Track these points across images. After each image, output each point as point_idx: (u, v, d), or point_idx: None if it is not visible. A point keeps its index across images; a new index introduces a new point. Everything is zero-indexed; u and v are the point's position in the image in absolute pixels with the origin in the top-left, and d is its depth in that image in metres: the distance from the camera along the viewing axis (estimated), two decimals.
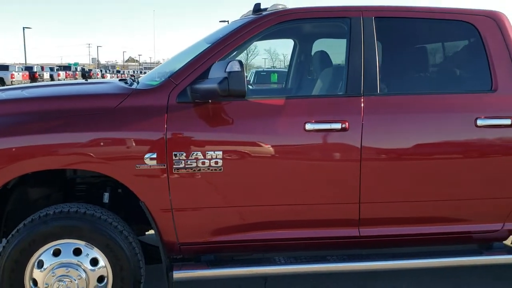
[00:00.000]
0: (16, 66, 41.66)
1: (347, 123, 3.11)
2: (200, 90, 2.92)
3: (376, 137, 3.17)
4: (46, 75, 44.06)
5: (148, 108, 3.01)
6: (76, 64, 75.24)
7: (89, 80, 4.24)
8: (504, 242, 3.68)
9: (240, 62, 2.83)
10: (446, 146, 3.25)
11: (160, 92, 3.07)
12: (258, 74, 18.44)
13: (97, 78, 50.10)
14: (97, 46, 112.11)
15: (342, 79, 3.28)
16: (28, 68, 43.29)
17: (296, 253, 3.43)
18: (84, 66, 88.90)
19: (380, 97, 3.24)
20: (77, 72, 52.73)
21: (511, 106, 3.29)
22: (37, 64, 53.48)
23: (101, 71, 68.78)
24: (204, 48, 3.23)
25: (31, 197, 3.39)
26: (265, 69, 19.86)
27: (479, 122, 3.22)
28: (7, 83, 33.62)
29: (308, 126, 3.09)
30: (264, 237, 3.24)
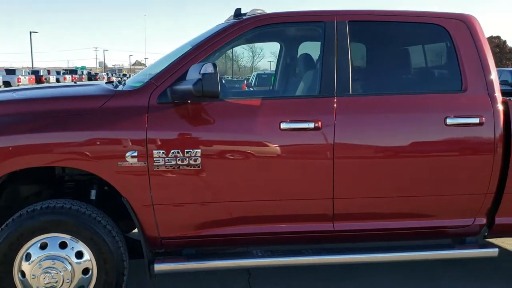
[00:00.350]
0: (23, 70, 42.14)
1: (320, 123, 3.25)
2: (178, 91, 3.08)
3: (348, 136, 3.31)
4: (53, 79, 44.51)
5: (130, 109, 3.17)
6: (83, 68, 75.78)
7: (78, 83, 4.41)
8: (491, 240, 3.84)
9: (214, 64, 2.98)
10: (417, 144, 3.38)
11: (141, 94, 3.23)
12: (259, 76, 18.67)
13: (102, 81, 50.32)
14: (104, 50, 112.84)
15: (317, 80, 3.42)
16: (35, 72, 43.76)
17: (273, 247, 3.57)
18: (91, 69, 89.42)
19: (353, 97, 3.38)
20: (83, 76, 53.13)
21: (479, 105, 3.41)
22: (44, 68, 53.91)
23: (107, 74, 69.13)
24: (185, 51, 3.39)
25: (22, 194, 3.56)
26: (266, 72, 20.04)
27: (449, 121, 3.35)
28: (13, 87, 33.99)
29: (283, 126, 3.24)
30: (243, 231, 3.38)
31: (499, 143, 3.39)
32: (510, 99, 3.53)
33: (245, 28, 3.40)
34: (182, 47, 3.72)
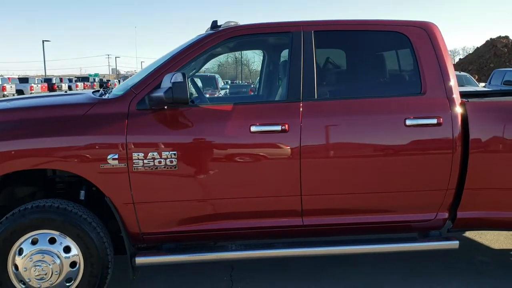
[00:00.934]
0: (36, 78, 42.90)
1: (287, 125, 3.52)
2: (153, 99, 3.36)
3: (314, 137, 3.57)
4: (65, 86, 45.23)
5: (111, 115, 3.47)
6: (96, 75, 76.65)
7: (68, 92, 4.72)
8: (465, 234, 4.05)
9: (183, 74, 3.26)
10: (378, 144, 3.63)
11: (122, 101, 3.52)
12: None
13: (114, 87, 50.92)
14: (115, 57, 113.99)
15: (285, 86, 3.69)
16: (47, 80, 44.51)
17: (247, 241, 3.83)
18: (103, 76, 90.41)
19: (318, 102, 3.63)
20: (94, 83, 53.88)
21: (437, 107, 3.64)
22: (57, 76, 54.81)
23: (119, 81, 69.93)
24: (163, 61, 3.68)
25: (18, 195, 3.87)
26: None
27: (408, 122, 3.59)
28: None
29: (253, 128, 3.51)
30: (218, 227, 3.65)
31: (458, 142, 3.62)
32: (468, 101, 3.76)
33: (219, 39, 3.69)
34: (162, 57, 4.00)
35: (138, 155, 3.41)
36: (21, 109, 3.73)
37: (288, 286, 4.05)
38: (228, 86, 20.43)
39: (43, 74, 56.10)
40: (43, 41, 52.09)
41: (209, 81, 17.38)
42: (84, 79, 58.50)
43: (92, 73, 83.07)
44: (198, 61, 3.91)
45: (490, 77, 20.42)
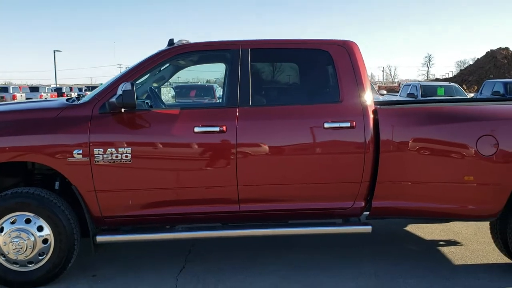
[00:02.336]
0: (46, 88, 43.98)
1: (224, 127, 4.22)
2: (110, 104, 4.09)
3: (248, 137, 4.26)
4: (74, 95, 46.22)
5: (78, 117, 4.20)
6: None
7: (47, 99, 5.47)
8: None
9: (132, 83, 3.99)
10: (302, 143, 4.31)
11: (87, 106, 4.26)
12: None
13: None
14: (126, 67, 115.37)
15: (225, 94, 4.41)
16: (58, 89, 45.61)
17: (194, 224, 4.53)
18: None
19: (252, 108, 4.34)
20: None
21: (352, 112, 4.33)
22: (67, 85, 56.14)
23: (160, 90, 70.99)
24: (123, 73, 4.42)
25: (5, 184, 4.58)
26: None
27: (326, 125, 4.28)
28: None
29: (196, 129, 4.22)
30: (168, 212, 4.35)
31: (370, 141, 4.30)
32: (380, 107, 4.45)
33: (170, 55, 4.44)
34: (126, 69, 4.74)
35: (99, 150, 4.13)
36: (2, 112, 4.46)
37: (231, 263, 4.74)
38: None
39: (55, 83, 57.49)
40: (54, 51, 53.54)
41: (207, 91, 18.15)
42: (93, 88, 59.64)
43: (103, 82, 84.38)
44: (153, 73, 4.63)
45: (481, 87, 21.04)
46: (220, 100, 5.39)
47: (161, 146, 4.22)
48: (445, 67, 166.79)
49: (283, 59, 4.61)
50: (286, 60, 4.62)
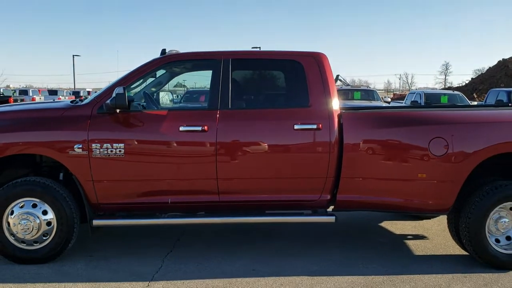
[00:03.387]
0: (65, 91, 45.18)
1: (206, 127, 4.83)
2: (106, 105, 4.74)
3: (226, 136, 4.86)
4: None
5: (79, 116, 4.84)
6: None
7: (55, 101, 6.14)
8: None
9: (124, 88, 4.62)
10: (274, 142, 4.89)
11: (87, 107, 4.91)
12: None
13: None
14: None
15: (208, 98, 5.03)
16: (75, 93, 46.80)
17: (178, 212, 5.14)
18: None
19: (231, 110, 4.94)
20: None
21: (319, 116, 4.90)
22: (85, 89, 57.44)
23: (158, 94, 72.20)
24: (119, 78, 5.06)
25: (17, 174, 5.24)
26: None
27: (296, 127, 4.86)
28: None
29: (181, 128, 4.83)
30: (156, 201, 4.96)
31: (334, 142, 4.88)
32: (344, 112, 5.02)
33: (160, 63, 5.08)
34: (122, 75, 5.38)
35: (96, 145, 4.76)
36: (15, 111, 5.13)
37: (212, 250, 5.34)
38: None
39: (75, 87, 58.83)
40: (73, 55, 54.81)
41: None
42: None
43: None
44: (145, 79, 5.27)
45: (486, 96, 21.42)
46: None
47: (150, 142, 4.83)
48: (463, 75, 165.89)
49: (261, 68, 5.22)
50: (264, 69, 5.22)
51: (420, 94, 19.80)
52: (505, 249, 4.93)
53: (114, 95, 4.63)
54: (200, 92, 16.87)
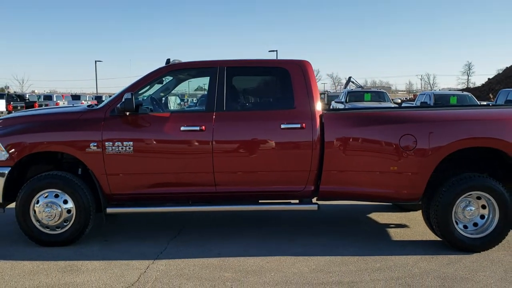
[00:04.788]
0: (87, 96, 46.49)
1: (203, 127, 5.55)
2: (117, 108, 5.50)
3: (221, 135, 5.57)
4: None
5: (94, 119, 5.61)
6: None
7: (74, 105, 6.94)
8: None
9: (131, 93, 5.37)
10: (264, 140, 5.58)
11: (101, 110, 5.67)
12: None
13: None
14: None
15: (205, 101, 5.75)
16: (98, 97, 48.11)
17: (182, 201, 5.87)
18: None
19: (226, 112, 5.65)
20: None
21: (302, 116, 5.56)
22: (107, 94, 59.04)
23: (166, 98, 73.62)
24: (128, 85, 5.82)
25: (42, 170, 6.03)
26: None
27: (282, 126, 5.55)
28: None
29: (182, 128, 5.56)
30: (162, 191, 5.69)
31: (317, 139, 5.54)
32: (325, 113, 5.69)
33: (164, 71, 5.83)
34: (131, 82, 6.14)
35: (109, 143, 5.52)
36: (40, 115, 5.94)
37: (213, 235, 6.05)
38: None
39: (99, 91, 60.41)
40: (95, 61, 56.34)
41: None
42: None
43: None
44: (152, 85, 6.02)
45: (497, 96, 21.77)
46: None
47: (155, 141, 5.57)
48: (486, 75, 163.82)
49: (252, 75, 5.93)
50: (255, 75, 5.93)
51: (429, 95, 20.25)
52: (471, 234, 5.52)
53: (123, 100, 5.38)
54: None
